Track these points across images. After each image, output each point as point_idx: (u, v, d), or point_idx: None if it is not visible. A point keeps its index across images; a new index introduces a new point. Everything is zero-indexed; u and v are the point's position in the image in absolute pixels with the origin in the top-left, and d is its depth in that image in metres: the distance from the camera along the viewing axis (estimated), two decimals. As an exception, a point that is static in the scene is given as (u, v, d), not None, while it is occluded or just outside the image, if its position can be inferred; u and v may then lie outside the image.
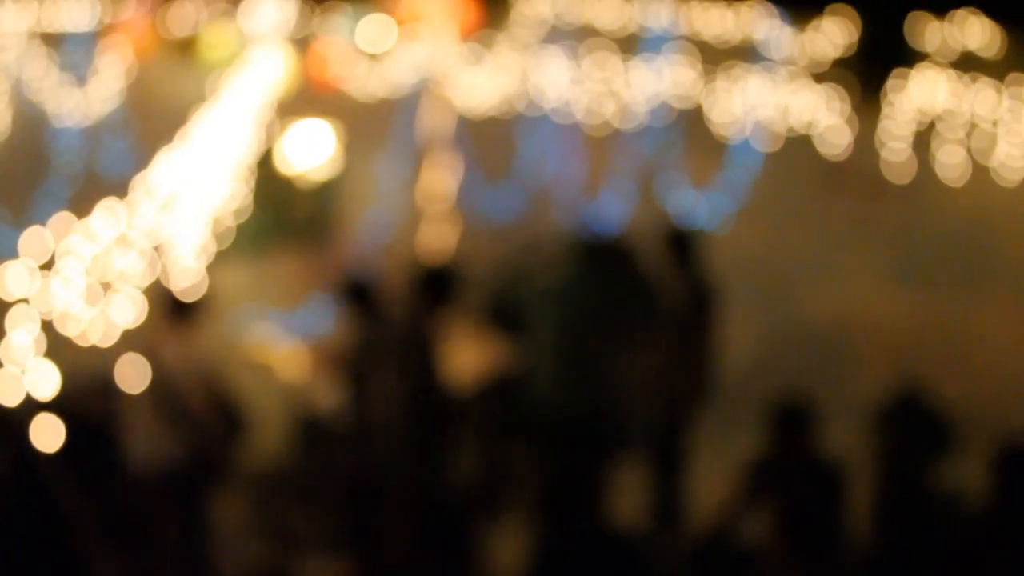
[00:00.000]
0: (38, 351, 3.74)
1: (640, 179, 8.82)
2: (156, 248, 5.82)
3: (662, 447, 6.09)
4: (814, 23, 7.44)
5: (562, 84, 8.41)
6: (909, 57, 6.60)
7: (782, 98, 7.36)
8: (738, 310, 7.66)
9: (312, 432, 5.89)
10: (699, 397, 6.10)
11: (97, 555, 3.42)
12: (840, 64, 7.13)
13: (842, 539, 4.53)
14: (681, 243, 5.90)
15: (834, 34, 7.13)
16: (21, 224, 6.58)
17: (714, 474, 6.72)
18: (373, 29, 6.94)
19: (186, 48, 6.25)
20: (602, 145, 9.05)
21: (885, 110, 6.76)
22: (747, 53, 7.65)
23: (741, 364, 7.92)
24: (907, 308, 7.31)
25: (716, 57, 7.89)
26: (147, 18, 6.23)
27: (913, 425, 5.98)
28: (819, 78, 7.51)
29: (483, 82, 8.52)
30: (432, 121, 7.60)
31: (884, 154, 7.22)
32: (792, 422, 4.86)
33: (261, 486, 6.58)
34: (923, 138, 7.04)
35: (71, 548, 2.91)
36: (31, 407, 5.87)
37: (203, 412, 5.26)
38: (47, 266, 4.01)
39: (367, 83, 7.90)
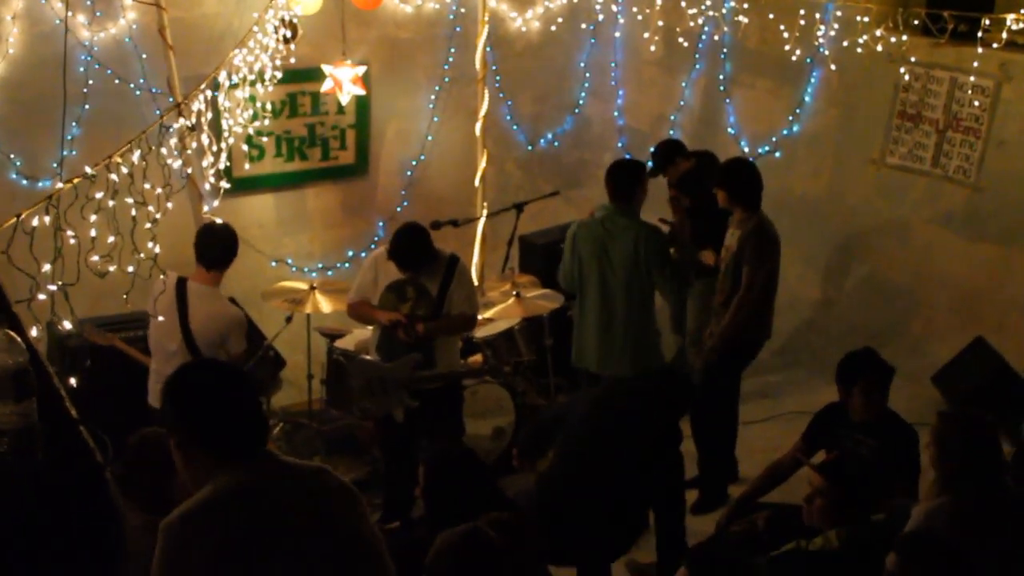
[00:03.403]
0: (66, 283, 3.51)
1: (698, 106, 8.38)
2: (186, 177, 5.64)
3: (718, 399, 5.82)
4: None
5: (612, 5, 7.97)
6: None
7: (854, 18, 6.84)
8: (800, 254, 7.32)
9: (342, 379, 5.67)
10: (757, 344, 5.80)
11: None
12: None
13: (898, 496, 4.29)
14: (743, 181, 5.53)
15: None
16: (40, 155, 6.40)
17: (773, 424, 6.47)
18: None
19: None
20: (657, 70, 8.60)
21: (974, 37, 6.24)
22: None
23: (805, 313, 7.57)
24: (984, 257, 6.85)
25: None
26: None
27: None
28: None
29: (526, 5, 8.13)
30: (475, 46, 7.26)
31: (968, 88, 6.69)
32: (856, 376, 4.63)
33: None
34: (1010, 71, 6.49)
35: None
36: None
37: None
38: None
39: (407, 7, 7.55)
